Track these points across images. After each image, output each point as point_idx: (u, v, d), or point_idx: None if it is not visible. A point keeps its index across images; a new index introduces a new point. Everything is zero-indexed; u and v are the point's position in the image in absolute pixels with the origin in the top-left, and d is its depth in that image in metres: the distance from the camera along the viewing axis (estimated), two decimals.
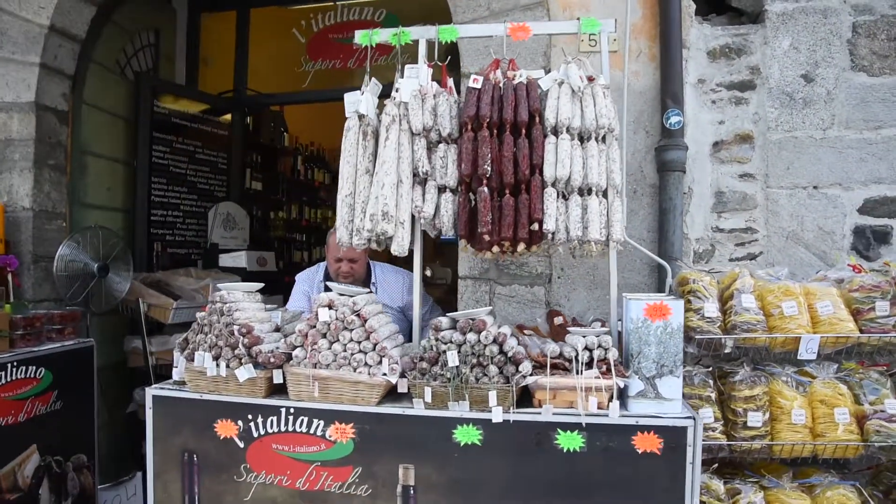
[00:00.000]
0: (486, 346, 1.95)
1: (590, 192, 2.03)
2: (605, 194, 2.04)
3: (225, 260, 4.15)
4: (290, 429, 2.06)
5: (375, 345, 2.00)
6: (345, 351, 2.00)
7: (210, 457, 2.12)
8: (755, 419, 2.10)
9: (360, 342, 2.00)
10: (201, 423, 2.12)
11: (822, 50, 2.58)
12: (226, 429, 2.10)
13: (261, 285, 2.24)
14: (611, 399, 1.91)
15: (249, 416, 2.08)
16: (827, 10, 2.58)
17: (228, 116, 4.61)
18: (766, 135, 2.63)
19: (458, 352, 1.94)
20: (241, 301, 2.13)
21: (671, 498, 1.90)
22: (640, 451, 1.91)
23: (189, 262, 4.19)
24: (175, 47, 4.49)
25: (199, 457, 2.12)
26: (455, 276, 4.28)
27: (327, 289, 2.88)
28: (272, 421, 2.07)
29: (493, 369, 1.94)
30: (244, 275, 4.12)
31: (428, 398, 1.96)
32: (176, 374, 2.19)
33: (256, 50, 4.73)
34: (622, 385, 1.92)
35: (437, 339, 1.98)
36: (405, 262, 2.99)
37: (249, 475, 2.09)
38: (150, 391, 2.15)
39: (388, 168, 2.06)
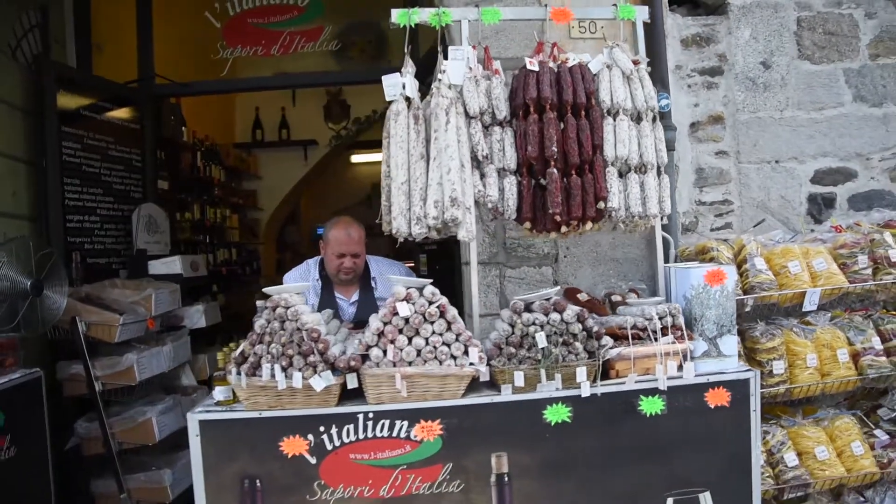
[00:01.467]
0: (569, 324, 1.97)
1: (645, 169, 2.12)
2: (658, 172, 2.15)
3: (156, 267, 3.67)
4: (370, 435, 1.91)
5: (458, 335, 1.92)
6: (427, 345, 1.90)
7: (275, 480, 1.89)
8: (779, 367, 2.35)
9: (441, 334, 1.91)
10: (263, 443, 1.89)
11: (776, 40, 2.93)
12: (294, 446, 1.89)
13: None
14: (683, 362, 2.04)
15: (322, 428, 1.90)
16: (777, 4, 2.94)
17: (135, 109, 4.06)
18: (735, 115, 2.93)
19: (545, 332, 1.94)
20: (300, 304, 1.92)
21: (740, 444, 2.08)
22: (712, 406, 2.06)
23: (110, 272, 3.65)
24: (65, 29, 3.85)
25: (263, 482, 1.89)
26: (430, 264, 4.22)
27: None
28: (348, 430, 1.90)
29: (578, 346, 1.96)
30: (179, 281, 3.70)
31: (519, 382, 1.93)
32: (219, 394, 1.92)
33: (162, 35, 4.21)
34: (692, 348, 2.05)
35: (522, 323, 1.96)
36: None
37: (325, 492, 1.90)
38: (195, 416, 1.87)
39: (451, 152, 1.98)
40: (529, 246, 2.85)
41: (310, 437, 1.89)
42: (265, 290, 1.98)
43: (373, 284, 2.85)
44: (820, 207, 2.99)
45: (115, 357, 3.10)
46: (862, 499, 2.45)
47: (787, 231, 2.90)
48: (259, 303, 1.94)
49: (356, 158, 10.60)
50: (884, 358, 2.41)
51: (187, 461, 3.24)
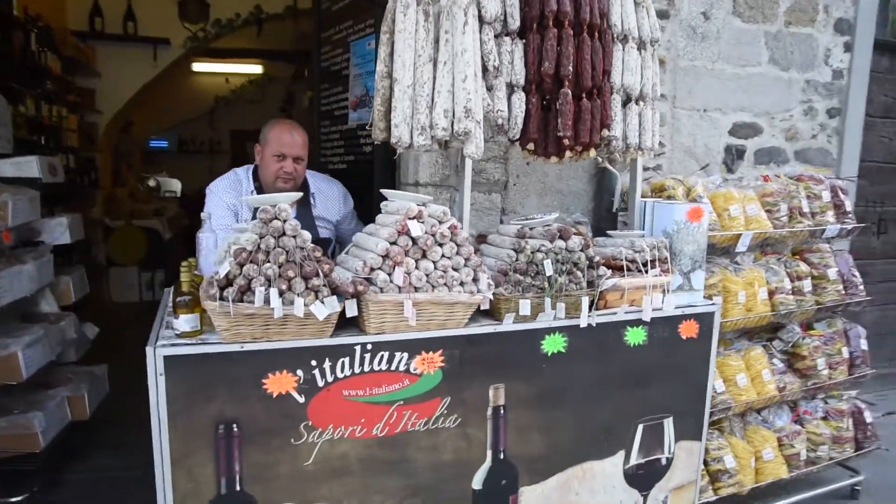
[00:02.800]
0: (573, 252, 1.90)
1: (644, 101, 2.08)
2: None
3: (6, 168, 2.90)
4: (367, 369, 1.70)
5: (467, 259, 1.76)
6: (435, 269, 1.71)
7: (257, 423, 1.61)
8: (718, 302, 2.53)
9: (450, 258, 1.73)
10: (244, 381, 1.59)
11: None
12: (280, 383, 1.62)
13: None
14: (664, 294, 2.09)
15: (314, 363, 1.64)
16: None
17: None
18: (676, 61, 3.02)
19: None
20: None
21: (700, 372, 2.22)
22: (684, 338, 2.16)
23: None
24: None
25: (242, 425, 1.60)
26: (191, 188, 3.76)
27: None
28: (343, 363, 1.67)
29: (579, 275, 1.91)
30: (37, 187, 2.99)
31: (525, 311, 1.83)
32: (184, 324, 1.56)
33: None
34: (673, 281, 2.11)
35: (529, 249, 1.84)
36: None
37: (312, 434, 1.67)
38: (160, 350, 1.50)
39: (468, 58, 1.75)
40: (481, 171, 2.72)
41: (299, 372, 1.63)
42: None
43: (311, 201, 2.53)
44: (733, 158, 3.24)
45: None
46: (759, 417, 2.78)
47: (711, 176, 3.11)
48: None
49: (199, 67, 9.42)
50: (792, 297, 2.72)
51: (57, 402, 2.73)
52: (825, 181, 2.92)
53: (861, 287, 2.94)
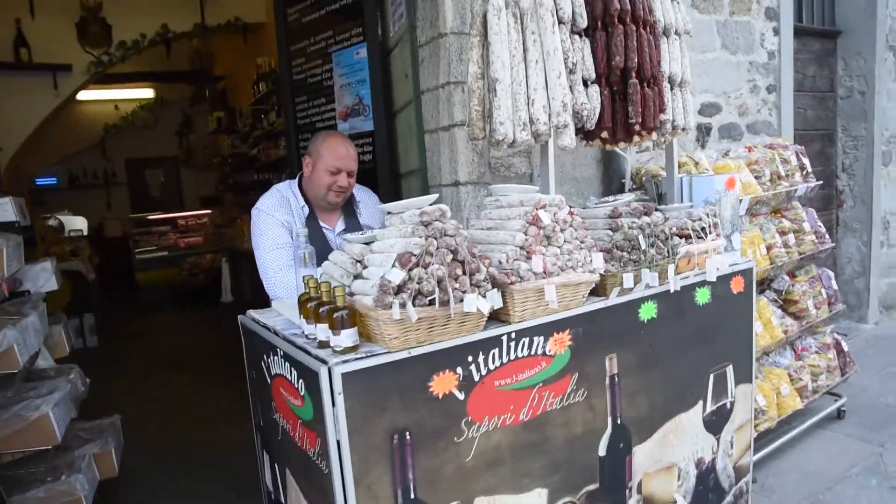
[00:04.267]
0: (657, 225, 2.07)
1: (684, 86, 2.30)
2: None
3: None
4: (512, 357, 1.75)
5: (583, 241, 1.87)
6: (562, 253, 1.80)
7: (425, 426, 1.62)
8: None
9: (570, 241, 1.83)
10: (412, 387, 1.58)
11: None
12: (444, 383, 1.63)
13: (431, 198, 1.72)
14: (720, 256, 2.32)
15: (469, 358, 1.67)
16: None
17: None
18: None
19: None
20: None
21: (747, 321, 2.48)
22: (735, 292, 2.40)
23: None
24: None
25: (412, 432, 1.60)
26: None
27: (312, 216, 2.33)
28: (493, 355, 1.71)
29: (662, 246, 2.08)
30: (16, 231, 2.70)
31: (629, 283, 1.97)
32: (348, 339, 1.53)
33: None
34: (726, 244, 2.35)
35: (627, 227, 1.98)
36: None
37: (471, 429, 1.70)
38: (337, 369, 1.46)
39: (559, 56, 1.86)
40: (510, 166, 2.83)
41: (459, 370, 1.65)
42: (385, 206, 1.62)
43: (357, 210, 2.52)
44: (703, 135, 3.60)
45: None
46: (769, 359, 3.13)
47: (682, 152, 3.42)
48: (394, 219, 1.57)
49: (85, 95, 8.72)
50: (783, 250, 3.09)
51: (87, 461, 2.53)
52: (790, 147, 3.34)
53: (826, 236, 3.39)
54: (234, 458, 3.53)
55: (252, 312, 2.06)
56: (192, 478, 3.32)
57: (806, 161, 3.36)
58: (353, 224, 2.48)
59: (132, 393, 2.86)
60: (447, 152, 2.72)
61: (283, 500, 2.02)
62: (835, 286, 3.42)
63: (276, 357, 1.78)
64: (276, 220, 2.29)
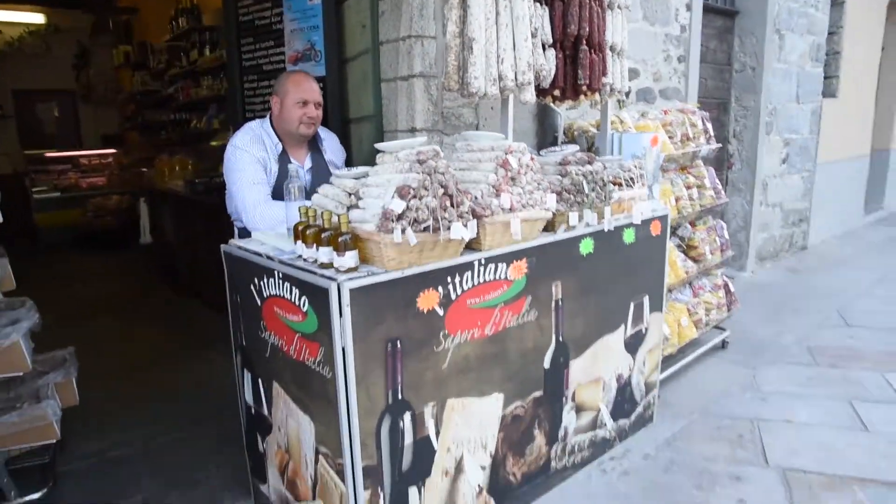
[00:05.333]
0: (597, 173, 2.41)
1: (620, 54, 2.62)
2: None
3: None
4: (482, 280, 2.05)
5: (539, 183, 2.17)
6: (524, 193, 2.09)
7: (413, 336, 1.89)
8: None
9: (531, 183, 2.13)
10: (403, 303, 1.84)
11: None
12: (428, 300, 1.90)
13: (423, 139, 1.93)
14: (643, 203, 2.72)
15: (449, 279, 1.95)
16: None
17: None
18: None
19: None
20: None
21: (661, 260, 2.92)
22: (654, 234, 2.82)
23: None
24: None
25: (403, 341, 1.86)
26: None
27: (284, 152, 2.49)
28: (467, 277, 2.00)
29: (601, 191, 2.43)
30: None
31: (574, 221, 2.31)
32: (350, 260, 1.75)
33: None
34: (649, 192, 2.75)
35: (574, 174, 2.31)
36: None
37: (447, 341, 1.99)
38: (346, 284, 1.69)
39: (526, 21, 2.11)
40: (460, 115, 3.08)
41: (440, 289, 1.93)
42: (379, 145, 1.83)
43: (322, 148, 2.68)
44: (624, 97, 3.99)
45: None
46: (672, 296, 3.64)
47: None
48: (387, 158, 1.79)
49: None
50: (688, 202, 3.57)
51: (50, 390, 2.62)
52: (697, 113, 3.81)
53: (722, 192, 3.93)
54: (185, 389, 3.66)
55: (236, 241, 2.21)
56: (148, 408, 3.42)
57: (709, 126, 3.85)
58: (319, 160, 2.64)
59: (56, 339, 2.90)
60: (405, 101, 2.92)
61: (266, 411, 2.23)
62: (726, 235, 3.99)
63: (271, 280, 1.97)
64: (252, 156, 2.41)
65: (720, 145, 4.02)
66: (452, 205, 1.81)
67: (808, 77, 6.21)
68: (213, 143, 5.95)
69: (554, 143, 3.40)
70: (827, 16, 6.29)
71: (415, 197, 1.75)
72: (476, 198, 1.96)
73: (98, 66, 9.77)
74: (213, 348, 4.14)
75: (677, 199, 3.49)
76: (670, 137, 3.48)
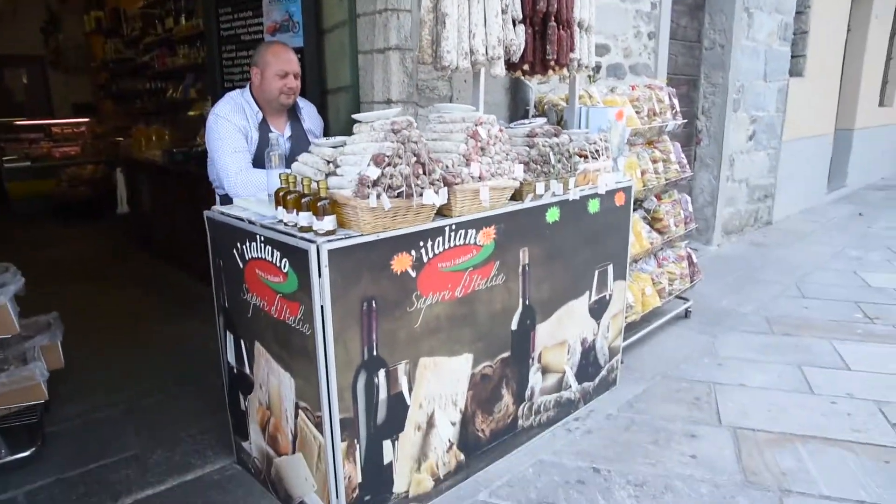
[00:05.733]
0: (564, 145, 2.53)
1: (588, 31, 2.73)
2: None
3: None
4: (452, 244, 2.17)
5: (508, 154, 2.28)
6: (493, 163, 2.21)
7: (387, 296, 2.01)
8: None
9: (500, 153, 2.24)
10: (379, 265, 1.96)
11: None
12: (401, 263, 2.02)
13: (398, 110, 2.03)
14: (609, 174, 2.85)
15: (421, 243, 2.07)
16: None
17: None
18: None
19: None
20: None
21: (625, 229, 3.07)
22: (618, 205, 2.96)
23: None
24: None
25: (377, 300, 1.98)
26: None
27: (264, 121, 2.57)
28: (439, 241, 2.12)
29: (567, 163, 2.56)
30: None
31: (540, 191, 2.44)
32: (329, 224, 1.86)
33: None
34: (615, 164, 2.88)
35: (541, 145, 2.42)
36: None
37: (419, 301, 2.12)
38: (325, 246, 1.80)
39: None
40: (434, 88, 3.16)
41: (413, 252, 2.05)
42: (356, 116, 1.93)
43: (301, 117, 2.77)
44: (594, 72, 4.10)
45: None
46: (637, 266, 3.82)
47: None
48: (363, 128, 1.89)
49: None
50: (654, 175, 3.72)
51: (36, 353, 2.71)
52: (664, 89, 3.94)
53: (687, 167, 4.09)
54: (166, 351, 3.75)
55: (219, 208, 2.30)
56: (131, 370, 3.51)
57: (676, 101, 3.99)
58: (298, 129, 2.73)
59: (35, 304, 2.97)
60: (381, 73, 2.99)
61: (247, 370, 2.35)
62: (690, 209, 4.16)
63: (253, 243, 2.07)
64: (233, 125, 2.49)
65: (686, 121, 4.18)
66: (425, 172, 1.92)
67: (776, 55, 6.37)
68: (191, 113, 5.94)
69: (525, 116, 3.50)
70: None
71: (389, 164, 1.86)
72: (447, 166, 2.08)
73: (68, 31, 9.55)
74: (193, 313, 4.22)
75: (643, 173, 3.64)
76: (637, 112, 3.61)
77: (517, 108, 3.58)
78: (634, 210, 3.77)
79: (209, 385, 3.18)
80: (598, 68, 4.12)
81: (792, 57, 6.83)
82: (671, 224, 3.88)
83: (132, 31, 7.35)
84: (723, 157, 5.88)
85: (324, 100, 3.50)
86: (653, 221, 3.87)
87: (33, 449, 2.58)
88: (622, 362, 3.43)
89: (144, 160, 5.58)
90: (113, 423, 2.98)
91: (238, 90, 2.65)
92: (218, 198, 2.70)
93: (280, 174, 2.00)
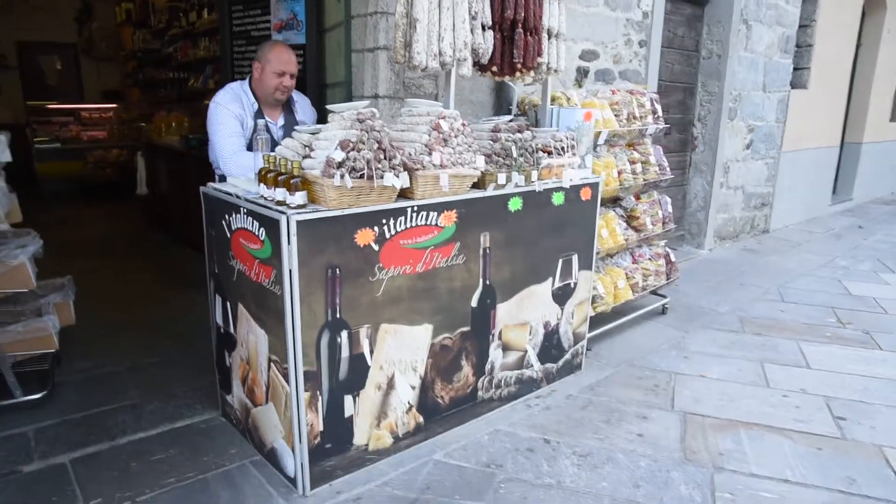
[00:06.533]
0: (527, 140, 2.78)
1: (557, 37, 2.96)
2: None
3: None
4: (414, 224, 2.43)
5: (470, 146, 2.54)
6: (454, 153, 2.46)
7: (350, 266, 2.27)
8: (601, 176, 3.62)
9: (462, 145, 2.50)
10: (343, 237, 2.23)
11: None
12: (364, 237, 2.29)
13: (366, 103, 2.29)
14: (574, 170, 3.09)
15: (384, 221, 2.33)
16: None
17: None
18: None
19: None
20: None
21: (592, 223, 3.29)
22: (584, 199, 3.19)
23: None
24: None
25: (341, 269, 2.25)
26: None
27: (259, 111, 2.85)
28: (401, 220, 2.38)
29: (530, 157, 2.80)
30: None
31: (502, 181, 2.68)
32: (299, 199, 2.13)
33: None
34: (576, 161, 3.11)
35: (504, 140, 2.67)
36: None
37: (381, 273, 2.38)
38: (294, 217, 2.07)
39: (465, 6, 2.46)
40: (420, 86, 3.43)
41: (376, 228, 2.31)
42: (329, 107, 2.20)
43: (294, 109, 3.05)
44: (582, 77, 4.33)
45: None
46: (612, 260, 4.03)
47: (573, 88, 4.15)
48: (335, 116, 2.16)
49: None
50: (631, 176, 3.94)
51: (51, 307, 3.02)
52: (646, 94, 4.15)
53: (668, 169, 4.29)
54: (168, 320, 4.08)
55: (212, 185, 2.59)
56: (136, 334, 3.84)
57: (658, 107, 4.19)
58: (290, 119, 3.01)
59: (55, 273, 3.31)
60: (370, 70, 3.26)
61: (232, 330, 2.63)
62: (670, 209, 4.36)
63: (238, 215, 2.35)
64: (231, 112, 2.78)
65: (668, 126, 4.37)
66: (386, 157, 2.18)
67: (776, 67, 6.51)
68: (207, 102, 6.26)
69: (508, 114, 3.75)
70: (798, 9, 6.57)
71: (353, 149, 2.12)
72: (410, 154, 2.33)
73: (101, 21, 10.01)
74: (198, 287, 4.53)
75: (620, 172, 3.86)
76: (616, 115, 3.83)
77: (501, 106, 3.82)
78: (612, 207, 4.00)
79: (206, 351, 3.47)
80: (585, 73, 4.34)
81: (795, 69, 6.96)
82: (647, 223, 4.08)
83: (159, 23, 7.73)
84: (717, 163, 6.04)
85: (322, 93, 3.79)
86: (630, 220, 4.08)
87: (44, 393, 2.90)
88: (589, 349, 3.65)
89: (163, 145, 5.93)
90: (116, 377, 3.29)
91: (238, 81, 2.94)
92: (217, 178, 2.99)
93: (264, 156, 2.28)
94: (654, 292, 4.37)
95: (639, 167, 4.02)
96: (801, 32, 6.92)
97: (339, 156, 2.07)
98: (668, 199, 4.39)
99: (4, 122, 9.17)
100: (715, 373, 3.62)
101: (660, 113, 4.20)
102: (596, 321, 3.75)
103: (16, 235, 3.12)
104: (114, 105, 9.39)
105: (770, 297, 5.04)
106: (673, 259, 4.47)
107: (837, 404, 3.27)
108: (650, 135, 4.13)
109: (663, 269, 4.33)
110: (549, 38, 2.94)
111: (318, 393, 2.31)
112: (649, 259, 4.24)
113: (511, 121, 2.84)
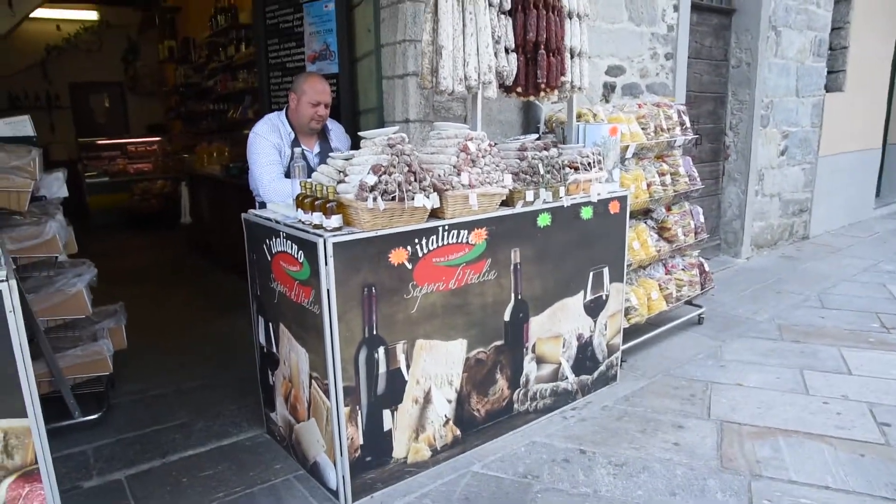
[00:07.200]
0: (554, 158, 2.85)
1: (580, 56, 3.04)
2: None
3: (1, 128, 3.09)
4: (446, 242, 2.52)
5: (497, 165, 2.62)
6: (483, 172, 2.55)
7: (385, 284, 2.37)
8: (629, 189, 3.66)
9: (489, 164, 2.58)
10: (377, 257, 2.33)
11: None
12: (398, 256, 2.38)
13: (396, 128, 2.41)
14: (601, 184, 3.14)
15: (416, 240, 2.42)
16: None
17: None
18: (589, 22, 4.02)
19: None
20: None
21: (621, 235, 3.33)
22: (612, 213, 3.23)
23: None
24: None
25: (377, 287, 2.35)
26: None
27: (296, 140, 2.99)
28: (433, 240, 2.47)
29: (557, 174, 2.87)
30: (31, 143, 3.23)
31: (530, 198, 2.75)
32: (335, 222, 2.25)
33: None
34: (604, 176, 3.17)
35: (531, 157, 2.75)
36: None
37: (415, 290, 2.47)
38: (331, 240, 2.18)
39: (489, 31, 2.57)
40: (449, 109, 3.54)
41: (409, 247, 2.41)
42: (361, 133, 2.32)
43: (329, 136, 3.19)
44: (609, 92, 4.39)
45: (30, 227, 2.73)
46: (645, 272, 4.04)
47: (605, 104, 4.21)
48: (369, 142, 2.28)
49: (39, 13, 8.67)
50: (661, 187, 3.96)
51: (105, 333, 3.17)
52: (673, 106, 4.17)
53: (698, 179, 4.29)
54: (213, 343, 4.26)
55: (253, 211, 2.73)
56: (182, 357, 4.02)
57: (686, 118, 4.21)
58: (326, 147, 3.15)
59: (107, 300, 3.51)
60: (401, 96, 3.39)
61: (274, 349, 2.75)
62: (702, 220, 4.35)
63: (277, 239, 2.48)
64: (269, 142, 2.93)
65: (697, 136, 4.38)
66: (416, 180, 2.28)
67: (809, 71, 6.44)
68: (246, 132, 6.53)
69: (537, 132, 3.82)
70: (829, 12, 6.50)
71: (385, 173, 2.23)
72: (439, 175, 2.43)
73: (145, 59, 10.52)
74: (240, 312, 4.71)
75: (649, 185, 3.88)
76: (643, 129, 3.87)
77: (529, 125, 3.90)
78: (643, 219, 4.02)
79: (248, 372, 3.62)
80: (612, 88, 4.40)
81: (830, 72, 6.86)
82: (679, 233, 4.09)
83: (199, 58, 8.10)
84: (751, 171, 5.98)
85: (356, 120, 3.94)
86: (661, 231, 4.09)
87: (100, 413, 3.07)
88: (624, 360, 3.66)
89: (205, 174, 6.19)
90: (165, 398, 3.45)
91: (276, 112, 3.10)
92: (257, 204, 3.15)
93: (301, 182, 2.41)
94: (689, 302, 4.35)
95: (668, 178, 4.03)
96: (835, 35, 6.82)
97: (371, 179, 2.18)
98: (700, 210, 4.38)
99: (59, 160, 9.70)
100: (752, 381, 3.59)
101: (688, 124, 4.22)
102: (630, 332, 3.76)
103: (73, 265, 3.32)
104: (158, 138, 9.83)
105: (810, 303, 4.94)
106: (707, 269, 4.44)
107: (882, 410, 3.20)
108: (679, 146, 4.15)
109: (697, 279, 4.31)
110: (572, 57, 3.02)
111: (357, 407, 2.40)
112: (682, 269, 4.23)
113: (537, 139, 2.92)
